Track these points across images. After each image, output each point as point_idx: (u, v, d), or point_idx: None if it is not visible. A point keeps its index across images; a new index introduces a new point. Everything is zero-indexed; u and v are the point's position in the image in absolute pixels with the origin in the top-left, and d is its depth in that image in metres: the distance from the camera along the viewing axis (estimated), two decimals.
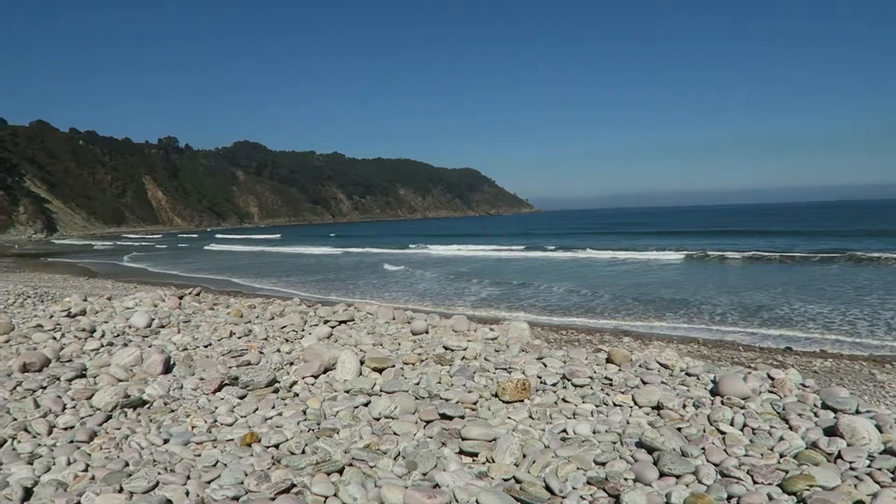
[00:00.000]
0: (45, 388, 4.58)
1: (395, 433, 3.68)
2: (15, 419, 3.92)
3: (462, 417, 3.91)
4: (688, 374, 4.88)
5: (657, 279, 21.05)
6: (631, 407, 4.17)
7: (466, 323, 6.97)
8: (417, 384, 4.63)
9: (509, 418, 3.93)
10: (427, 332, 6.46)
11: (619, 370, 4.97)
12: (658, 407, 4.09)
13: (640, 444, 3.42)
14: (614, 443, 3.54)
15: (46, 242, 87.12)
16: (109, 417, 4.02)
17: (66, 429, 3.84)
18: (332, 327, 6.63)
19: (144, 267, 34.58)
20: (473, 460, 3.37)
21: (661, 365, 5.11)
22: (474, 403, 4.18)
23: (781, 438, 3.46)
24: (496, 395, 4.30)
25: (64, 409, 4.15)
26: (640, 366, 5.11)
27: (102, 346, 5.85)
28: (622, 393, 4.39)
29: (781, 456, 3.25)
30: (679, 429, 3.65)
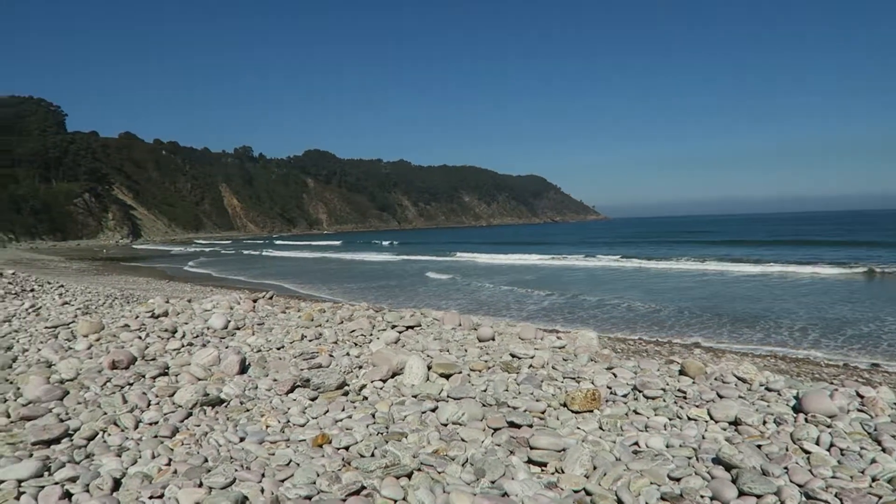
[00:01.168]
0: (131, 384, 4.83)
1: (462, 439, 3.68)
2: (105, 413, 4.16)
3: (530, 426, 3.87)
4: (767, 389, 4.66)
5: (730, 290, 20.23)
6: (706, 421, 4.02)
7: (533, 331, 6.91)
8: (484, 391, 4.62)
9: (578, 429, 3.87)
10: (493, 339, 6.44)
11: (694, 383, 4.80)
12: (736, 422, 3.93)
13: (716, 461, 3.29)
14: (689, 458, 3.42)
15: (128, 247, 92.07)
16: (190, 414, 4.20)
17: (150, 424, 4.03)
18: (400, 332, 6.71)
19: (209, 272, 35.98)
20: (542, 470, 3.33)
21: (738, 378, 4.91)
22: (542, 412, 4.13)
23: (874, 461, 3.25)
24: (565, 405, 4.24)
25: (149, 405, 4.37)
26: (715, 379, 4.92)
27: (183, 346, 6.13)
28: (697, 406, 4.24)
29: (874, 479, 3.05)
30: (759, 446, 3.49)
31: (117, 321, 7.33)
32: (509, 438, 3.65)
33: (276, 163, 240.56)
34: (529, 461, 3.39)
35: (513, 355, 5.52)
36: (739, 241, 56.47)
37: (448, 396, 4.47)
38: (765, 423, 3.91)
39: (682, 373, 5.14)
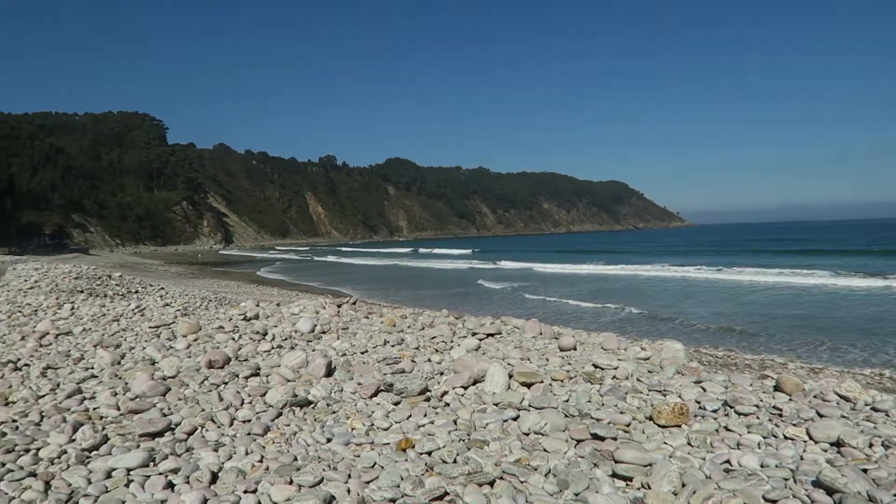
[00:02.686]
0: (226, 383, 5.09)
1: (545, 450, 3.65)
2: (203, 410, 4.40)
3: (614, 439, 3.78)
4: (874, 409, 4.35)
5: (827, 305, 18.92)
6: (805, 441, 3.80)
7: (616, 341, 6.75)
8: (566, 401, 4.56)
9: (665, 444, 3.74)
10: (575, 349, 6.34)
11: (790, 400, 4.55)
12: (838, 444, 3.69)
13: (817, 484, 3.10)
14: (786, 479, 3.24)
15: (216, 253, 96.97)
16: (280, 414, 4.38)
17: (244, 422, 4.24)
18: (480, 340, 6.73)
19: (282, 279, 37.15)
20: (627, 485, 3.25)
21: (840, 397, 4.61)
22: (627, 425, 4.03)
23: None
24: (650, 419, 4.12)
25: (242, 403, 4.59)
26: (814, 396, 4.64)
27: (273, 348, 6.40)
28: (794, 425, 4.01)
29: None
30: (865, 470, 3.26)
31: (212, 323, 7.74)
32: (593, 451, 3.59)
33: (358, 171, 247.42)
34: (614, 475, 3.31)
35: (595, 366, 5.42)
36: (841, 250, 52.67)
37: (530, 406, 4.44)
38: (871, 445, 3.65)
39: (777, 389, 4.88)
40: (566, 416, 4.21)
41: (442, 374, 5.43)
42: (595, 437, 3.77)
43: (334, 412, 4.46)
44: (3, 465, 3.38)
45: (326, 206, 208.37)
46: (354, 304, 9.88)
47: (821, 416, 4.17)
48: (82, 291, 13.35)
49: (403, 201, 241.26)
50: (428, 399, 4.72)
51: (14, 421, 4.17)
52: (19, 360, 6.00)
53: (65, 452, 3.60)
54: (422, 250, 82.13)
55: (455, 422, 4.17)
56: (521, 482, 3.20)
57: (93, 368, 5.65)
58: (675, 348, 6.57)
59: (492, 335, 7.05)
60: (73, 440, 3.78)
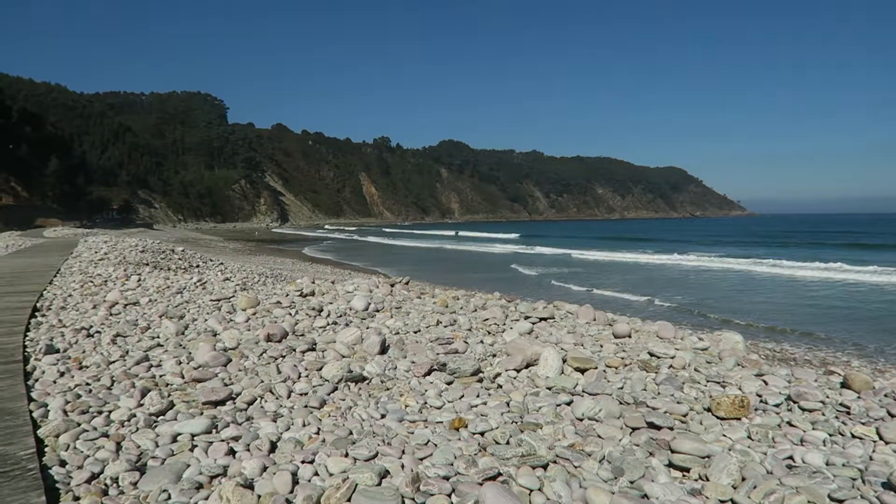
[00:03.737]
0: (284, 356, 5.23)
1: (599, 436, 3.61)
2: (262, 381, 4.54)
3: (671, 429, 3.71)
4: None
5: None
6: (874, 441, 3.64)
7: (672, 330, 6.60)
8: (621, 389, 4.50)
9: (724, 436, 3.65)
10: (629, 336, 6.24)
11: (859, 398, 4.36)
12: None
13: (888, 486, 2.97)
14: (853, 479, 3.11)
15: (269, 231, 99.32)
16: (335, 389, 4.47)
17: (301, 394, 4.35)
18: (533, 323, 6.69)
19: (329, 258, 37.39)
20: (684, 475, 3.19)
21: None
22: (684, 416, 3.95)
23: None
24: (709, 410, 4.02)
25: (299, 377, 4.71)
26: (885, 395, 4.43)
27: (328, 324, 6.52)
28: (863, 424, 3.85)
29: None
30: None
31: (270, 298, 7.94)
32: (649, 439, 3.53)
33: (412, 153, 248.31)
34: (670, 465, 3.26)
35: (651, 354, 5.31)
36: None
37: (583, 391, 4.40)
38: None
39: (844, 386, 4.68)
40: (621, 403, 4.15)
41: (494, 356, 5.43)
42: (651, 425, 3.71)
43: (388, 389, 4.52)
44: (79, 424, 3.57)
45: (380, 188, 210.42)
46: (407, 283, 9.96)
47: (892, 416, 3.98)
48: (147, 264, 13.90)
49: (456, 184, 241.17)
50: (480, 380, 4.74)
51: (88, 384, 4.40)
52: (91, 327, 6.32)
53: (134, 416, 3.78)
54: (463, 233, 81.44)
55: (508, 404, 4.17)
56: (575, 466, 3.17)
57: (158, 338, 5.90)
58: (734, 339, 6.39)
59: (544, 319, 7.01)
60: (142, 405, 3.96)
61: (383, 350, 5.41)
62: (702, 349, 5.90)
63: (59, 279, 10.42)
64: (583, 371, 4.87)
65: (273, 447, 3.43)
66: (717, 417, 3.91)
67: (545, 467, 3.15)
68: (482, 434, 3.62)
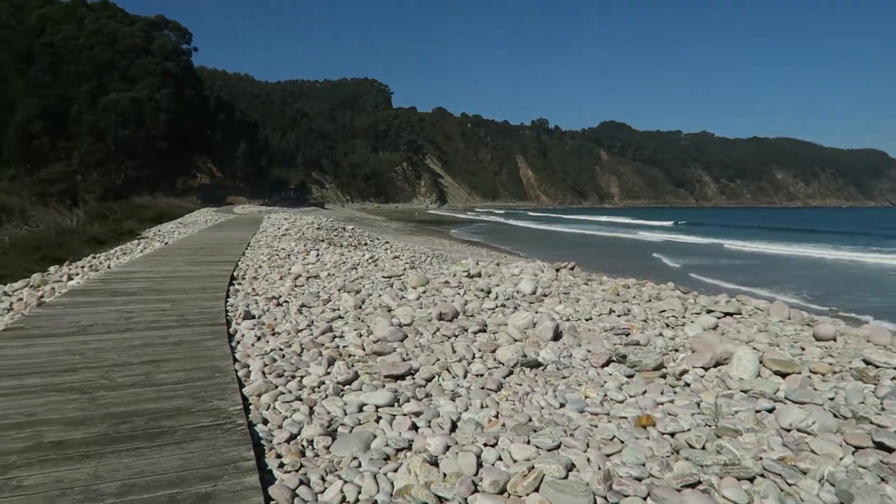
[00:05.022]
0: (456, 336, 5.26)
1: (812, 451, 3.18)
2: (438, 359, 4.58)
3: None
4: None
5: None
6: None
7: (888, 336, 5.73)
8: (832, 399, 3.95)
9: None
10: (835, 340, 5.51)
11: None
12: None
13: None
14: None
15: (425, 212, 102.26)
16: (511, 373, 4.40)
17: (477, 375, 4.33)
18: (718, 318, 6.16)
19: (479, 240, 36.97)
20: None
21: None
22: None
23: None
24: None
25: (473, 357, 4.70)
26: None
27: (497, 306, 6.48)
28: None
29: None
30: None
31: (438, 277, 8.08)
32: (878, 462, 3.04)
33: (570, 135, 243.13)
34: None
35: (867, 362, 4.63)
36: None
37: (786, 398, 3.92)
38: None
39: None
40: (835, 416, 3.64)
41: (676, 350, 5.06)
42: (880, 446, 3.19)
43: (565, 377, 4.36)
44: (276, 387, 3.82)
45: (536, 170, 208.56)
46: (573, 269, 9.68)
47: None
48: (323, 241, 14.89)
49: (616, 167, 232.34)
50: (664, 376, 4.41)
51: (281, 349, 4.72)
52: (280, 296, 6.82)
53: (323, 383, 3.97)
54: (613, 219, 77.27)
55: (698, 404, 3.82)
56: (789, 484, 2.81)
57: (338, 310, 6.21)
58: None
59: (730, 314, 6.43)
60: (329, 373, 4.16)
61: (556, 336, 5.25)
62: None
63: (249, 251, 11.46)
64: (783, 375, 4.35)
65: (454, 426, 3.42)
66: None
67: (751, 480, 2.82)
68: (672, 435, 3.34)
